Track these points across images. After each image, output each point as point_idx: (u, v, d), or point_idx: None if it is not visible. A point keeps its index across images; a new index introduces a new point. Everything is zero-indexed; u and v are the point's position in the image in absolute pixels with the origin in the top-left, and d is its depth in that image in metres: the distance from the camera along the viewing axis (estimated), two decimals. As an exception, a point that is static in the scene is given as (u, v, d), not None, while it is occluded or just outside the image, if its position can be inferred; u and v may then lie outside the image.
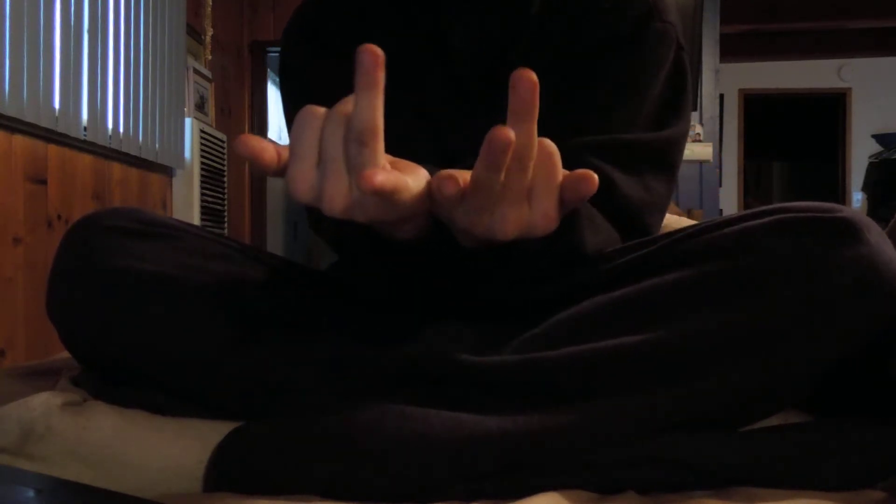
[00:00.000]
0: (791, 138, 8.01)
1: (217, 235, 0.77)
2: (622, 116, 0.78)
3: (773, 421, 0.63)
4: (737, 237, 0.60)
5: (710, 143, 3.70)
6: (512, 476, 0.58)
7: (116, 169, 2.57)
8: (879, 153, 6.47)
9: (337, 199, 0.49)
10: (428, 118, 0.82)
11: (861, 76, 6.70)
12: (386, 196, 0.47)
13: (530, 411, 0.59)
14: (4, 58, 1.90)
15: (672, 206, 3.28)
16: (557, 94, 0.80)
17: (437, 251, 0.61)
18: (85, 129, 2.30)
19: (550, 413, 0.58)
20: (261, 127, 4.09)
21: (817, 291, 0.57)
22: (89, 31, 2.36)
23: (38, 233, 2.09)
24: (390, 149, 0.51)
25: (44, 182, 2.13)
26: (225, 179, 3.45)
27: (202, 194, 3.14)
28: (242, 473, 0.60)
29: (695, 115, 3.73)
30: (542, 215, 0.52)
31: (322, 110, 0.50)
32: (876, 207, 5.86)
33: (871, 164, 6.38)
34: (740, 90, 6.81)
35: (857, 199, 6.65)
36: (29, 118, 2.00)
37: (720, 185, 4.33)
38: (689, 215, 3.05)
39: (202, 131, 3.19)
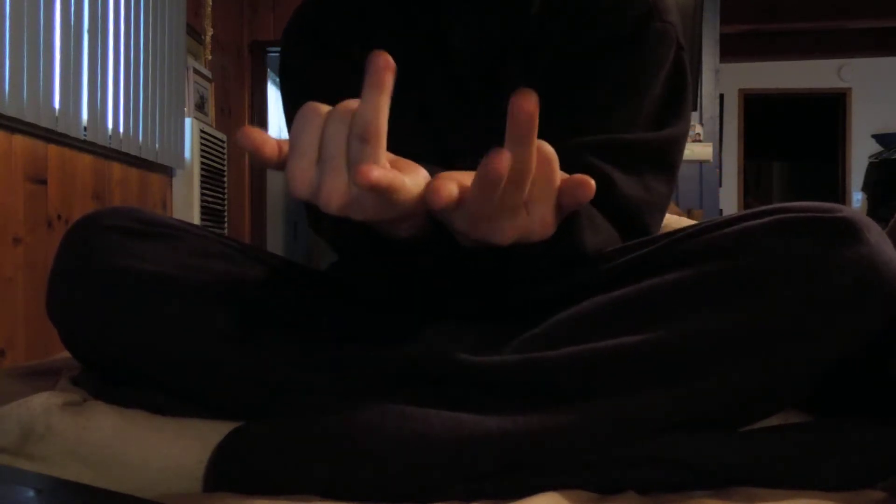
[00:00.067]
0: (791, 138, 8.01)
1: (217, 235, 0.77)
2: (622, 116, 0.78)
3: (773, 421, 0.63)
4: (737, 237, 0.60)
5: (710, 143, 3.70)
6: (512, 476, 0.58)
7: (116, 169, 2.57)
8: (879, 153, 6.47)
9: (334, 195, 0.49)
10: (428, 118, 0.82)
11: (861, 76, 6.70)
12: (382, 193, 0.47)
13: (530, 411, 0.59)
14: (4, 58, 1.90)
15: (672, 206, 3.28)
16: (557, 94, 0.80)
17: (436, 251, 0.61)
18: (85, 129, 2.30)
19: (550, 413, 0.58)
20: (261, 127, 4.08)
21: (817, 291, 0.57)
22: (89, 31, 2.36)
23: (38, 233, 2.09)
24: (390, 148, 0.51)
25: (44, 182, 2.13)
26: (225, 179, 3.45)
27: (202, 194, 3.14)
28: (242, 473, 0.60)
29: (695, 115, 3.73)
30: (539, 221, 0.52)
31: (325, 107, 0.50)
32: (876, 207, 5.86)
33: (871, 164, 6.38)
34: (740, 90, 6.81)
35: (857, 199, 6.65)
36: (29, 118, 2.00)
37: (720, 185, 4.33)
38: (689, 215, 3.05)
39: (202, 131, 3.19)
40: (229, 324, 0.67)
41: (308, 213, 0.82)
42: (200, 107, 3.35)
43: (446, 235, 0.57)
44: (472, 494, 0.58)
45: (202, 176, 3.15)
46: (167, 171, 3.00)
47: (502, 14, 0.82)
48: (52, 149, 2.17)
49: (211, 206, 3.24)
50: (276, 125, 4.51)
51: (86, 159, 2.37)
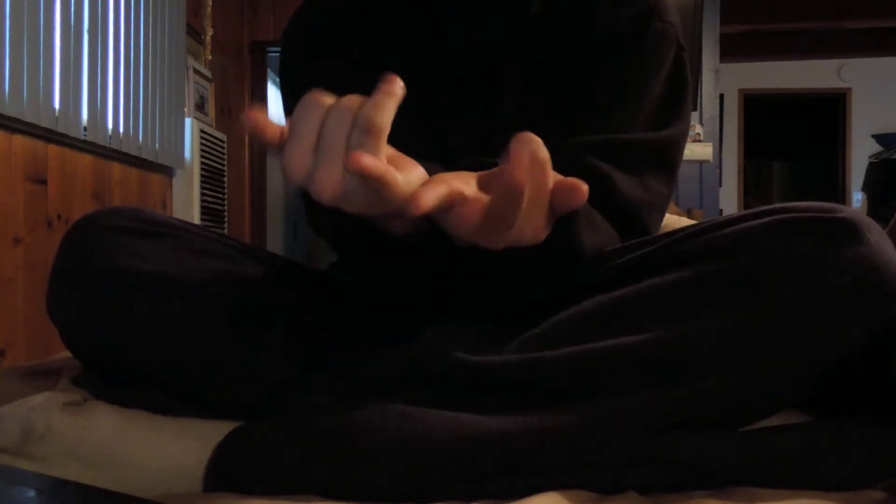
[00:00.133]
0: (791, 138, 8.01)
1: (217, 235, 0.78)
2: (622, 116, 0.78)
3: (774, 421, 0.63)
4: (737, 237, 0.60)
5: (710, 143, 3.70)
6: (512, 476, 0.58)
7: (116, 169, 2.57)
8: (879, 153, 6.47)
9: (328, 185, 0.49)
10: (428, 118, 0.82)
11: (861, 76, 6.70)
12: (372, 185, 0.47)
13: (530, 411, 0.59)
14: (4, 58, 1.90)
15: (672, 206, 3.28)
16: (557, 94, 0.80)
17: (431, 249, 0.61)
18: (85, 129, 2.30)
19: (550, 413, 0.58)
20: (261, 127, 4.08)
21: (817, 291, 0.57)
22: (89, 31, 2.36)
23: (38, 233, 2.09)
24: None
25: (44, 182, 2.13)
26: (225, 179, 3.45)
27: (202, 194, 3.14)
28: (242, 473, 0.60)
29: (695, 115, 3.73)
30: (531, 228, 0.52)
31: (328, 98, 0.50)
32: (876, 207, 5.86)
33: (871, 164, 6.38)
34: (740, 90, 6.80)
35: (857, 199, 6.65)
36: (29, 118, 1.99)
37: (720, 185, 4.33)
38: (689, 215, 3.05)
39: (202, 131, 3.19)
40: (229, 323, 0.67)
41: (307, 212, 0.82)
42: (200, 107, 3.35)
43: (442, 234, 0.57)
44: (472, 494, 0.58)
45: (202, 176, 3.15)
46: (167, 171, 3.00)
47: (502, 14, 0.82)
48: (52, 149, 2.17)
49: (211, 206, 3.24)
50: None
51: (86, 159, 2.37)
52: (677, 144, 0.81)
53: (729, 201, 6.54)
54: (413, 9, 0.85)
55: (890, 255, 0.58)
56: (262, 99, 4.11)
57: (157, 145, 2.81)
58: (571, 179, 0.51)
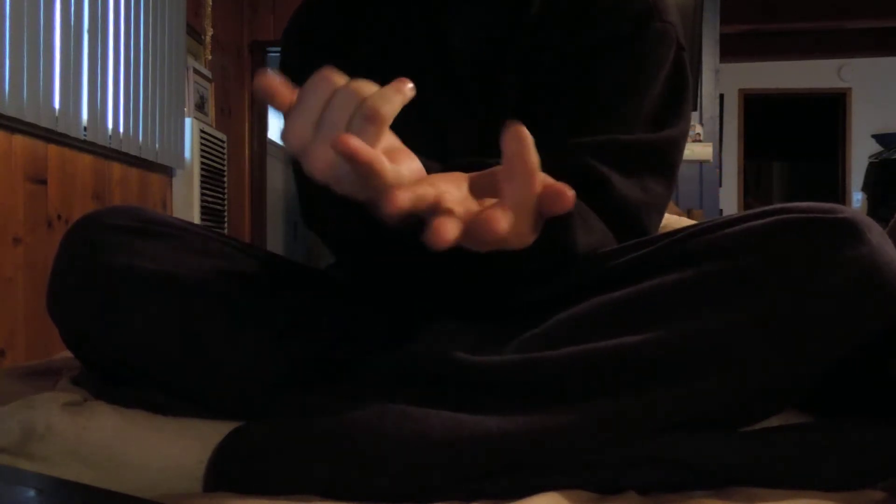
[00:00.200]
0: (791, 138, 8.01)
1: (218, 234, 0.78)
2: (622, 116, 0.78)
3: (774, 421, 0.63)
4: (738, 237, 0.60)
5: (710, 143, 3.70)
6: (512, 476, 0.58)
7: (116, 169, 2.57)
8: (879, 153, 6.47)
9: (321, 160, 0.49)
10: (427, 118, 0.82)
11: (861, 76, 6.70)
12: (359, 169, 0.47)
13: (530, 411, 0.59)
14: (4, 58, 1.90)
15: (672, 206, 3.28)
16: (557, 94, 0.80)
17: (421, 246, 0.61)
18: (85, 129, 2.30)
19: (550, 413, 0.58)
20: (260, 127, 4.09)
21: (818, 292, 0.57)
22: (89, 31, 2.36)
23: (38, 233, 2.09)
24: None
25: (44, 182, 2.13)
26: (225, 179, 3.45)
27: (202, 194, 3.14)
28: (242, 473, 0.60)
29: (695, 115, 3.73)
30: (515, 234, 0.52)
31: (341, 78, 0.50)
32: (876, 207, 5.86)
33: (871, 164, 6.38)
34: (740, 90, 6.80)
35: (857, 199, 6.65)
36: (29, 118, 1.99)
37: (720, 185, 4.33)
38: (689, 215, 3.05)
39: (202, 131, 3.19)
40: (229, 323, 0.67)
41: (302, 208, 0.82)
42: (200, 107, 3.35)
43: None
44: (472, 494, 0.58)
45: (202, 176, 3.15)
46: (167, 171, 3.00)
47: (502, 14, 0.82)
48: (52, 149, 2.17)
49: (211, 206, 3.24)
50: (276, 125, 4.51)
51: (86, 159, 2.37)
52: (677, 145, 0.81)
53: (729, 201, 6.54)
54: (412, 9, 0.85)
55: (891, 256, 0.58)
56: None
57: (157, 145, 2.81)
58: (558, 185, 0.50)
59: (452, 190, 0.51)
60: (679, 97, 0.81)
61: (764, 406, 0.62)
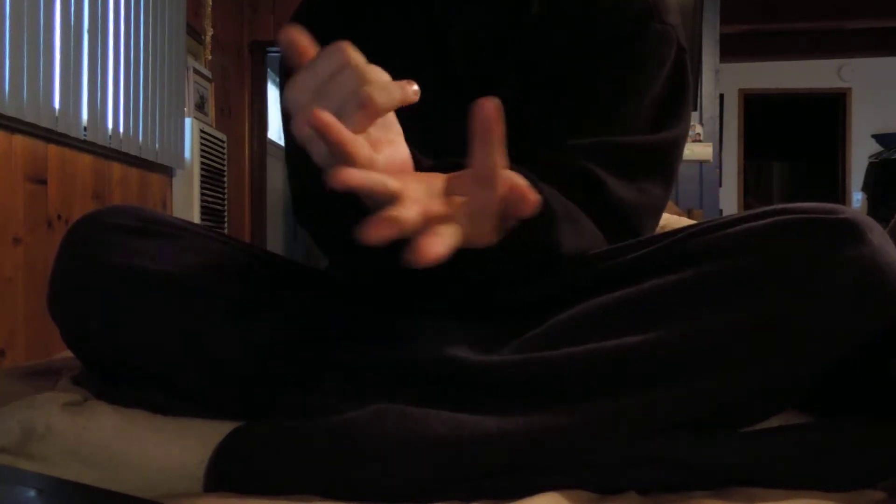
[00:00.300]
0: (791, 138, 8.00)
1: (218, 234, 0.78)
2: (620, 117, 0.78)
3: (774, 421, 0.63)
4: (738, 238, 0.60)
5: (710, 143, 3.70)
6: (512, 476, 0.58)
7: (116, 169, 2.57)
8: (879, 153, 6.47)
9: (306, 126, 0.50)
10: (425, 117, 0.82)
11: (861, 76, 6.70)
12: (331, 146, 0.49)
13: (530, 411, 0.59)
14: (4, 58, 1.90)
15: (672, 206, 3.28)
16: (555, 95, 0.80)
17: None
18: (85, 129, 2.30)
19: (550, 413, 0.58)
20: (261, 127, 4.09)
21: (818, 292, 0.57)
22: (89, 31, 2.36)
23: (38, 233, 2.09)
24: None
25: (44, 182, 2.13)
26: (225, 179, 3.45)
27: (202, 194, 3.14)
28: (243, 473, 0.60)
29: (695, 115, 3.73)
30: (478, 235, 0.53)
31: (357, 56, 0.51)
32: (876, 207, 5.85)
33: (871, 164, 6.38)
34: (740, 90, 6.80)
35: (857, 199, 6.65)
36: (29, 118, 1.99)
37: (720, 185, 4.33)
38: (689, 215, 3.05)
39: (202, 131, 3.19)
40: (229, 323, 0.67)
41: (294, 203, 0.82)
42: (200, 107, 3.35)
43: None
44: (472, 494, 0.58)
45: (202, 176, 3.15)
46: (167, 171, 3.00)
47: (502, 14, 0.82)
48: (52, 149, 2.17)
49: (211, 206, 3.24)
50: (277, 125, 4.52)
51: (86, 159, 2.36)
52: (676, 147, 0.81)
53: (729, 201, 6.54)
54: (412, 9, 0.85)
55: (892, 256, 0.58)
56: (262, 99, 4.11)
57: (157, 145, 2.81)
58: (523, 188, 0.52)
59: (419, 188, 0.51)
60: (679, 98, 0.81)
61: (764, 406, 0.62)
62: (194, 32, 3.34)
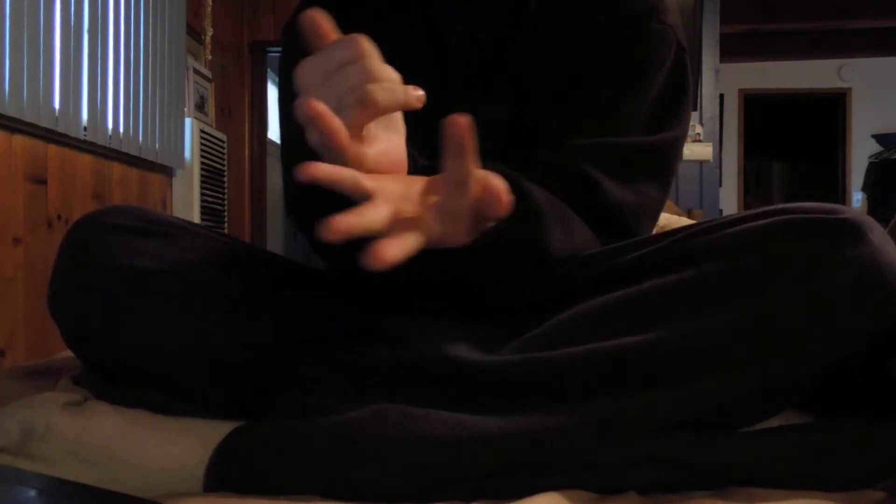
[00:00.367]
0: (791, 138, 8.00)
1: (218, 234, 0.78)
2: (619, 118, 0.78)
3: (774, 421, 0.63)
4: (739, 238, 0.60)
5: (710, 143, 3.70)
6: (512, 476, 0.58)
7: (116, 169, 2.57)
8: (879, 153, 6.46)
9: (309, 109, 0.51)
10: (422, 117, 0.82)
11: (861, 76, 6.69)
12: (324, 137, 0.50)
13: (530, 411, 0.59)
14: (4, 58, 1.90)
15: (672, 206, 3.28)
16: (554, 95, 0.80)
17: None
18: (85, 129, 2.30)
19: (550, 413, 0.58)
20: (261, 127, 4.09)
21: (819, 292, 0.57)
22: (89, 31, 2.36)
23: (38, 233, 2.09)
24: None
25: (44, 182, 2.13)
26: (225, 179, 3.45)
27: (202, 194, 3.14)
28: (243, 473, 0.60)
29: (695, 115, 3.73)
30: (451, 235, 0.55)
31: (372, 52, 0.52)
32: (876, 207, 5.85)
33: (871, 164, 6.37)
34: (740, 90, 6.80)
35: (857, 199, 6.65)
36: (29, 118, 1.99)
37: (720, 185, 4.33)
38: (689, 215, 3.05)
39: (202, 131, 3.19)
40: (230, 323, 0.67)
41: (286, 199, 0.82)
42: (200, 107, 3.35)
43: None
44: (472, 494, 0.58)
45: (202, 176, 3.15)
46: (167, 171, 3.00)
47: (501, 14, 0.82)
48: (52, 149, 2.17)
49: (211, 206, 3.24)
50: (276, 125, 4.52)
51: (86, 159, 2.36)
52: (675, 148, 0.81)
53: (729, 201, 6.54)
54: (412, 9, 0.85)
55: (892, 256, 0.58)
56: (262, 99, 4.11)
57: (157, 145, 2.81)
58: (496, 189, 0.53)
59: (395, 189, 0.52)
60: (678, 99, 0.81)
61: (764, 406, 0.62)
62: (194, 32, 3.34)
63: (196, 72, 3.28)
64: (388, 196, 0.51)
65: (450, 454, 0.57)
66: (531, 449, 0.58)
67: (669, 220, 1.81)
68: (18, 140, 2.01)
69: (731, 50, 5.02)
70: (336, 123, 0.50)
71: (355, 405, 0.60)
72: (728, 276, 0.59)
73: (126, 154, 2.59)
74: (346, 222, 0.47)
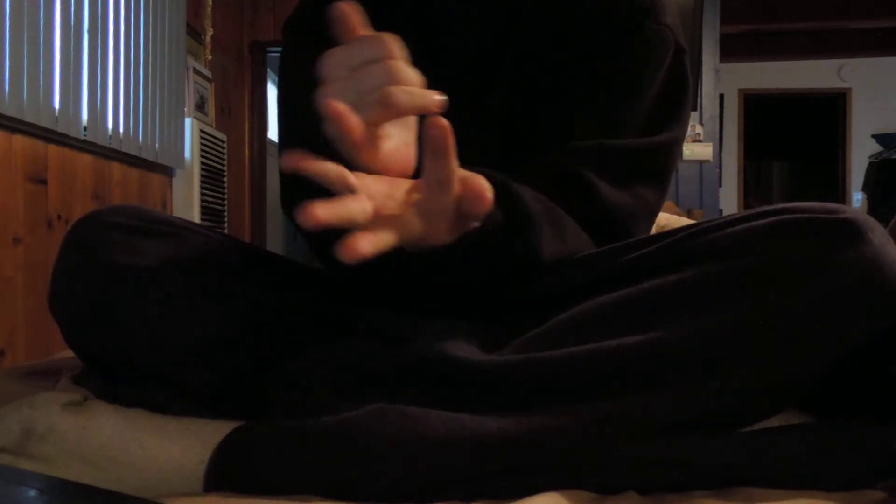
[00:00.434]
0: (791, 138, 8.00)
1: (219, 233, 0.78)
2: (615, 119, 0.78)
3: (774, 421, 0.63)
4: (739, 238, 0.60)
5: (710, 143, 3.70)
6: (512, 476, 0.58)
7: (116, 169, 2.57)
8: (879, 153, 6.47)
9: (330, 100, 0.52)
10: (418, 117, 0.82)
11: (861, 76, 6.70)
12: (340, 134, 0.51)
13: (530, 411, 0.59)
14: (4, 58, 1.90)
15: (672, 206, 3.28)
16: (550, 96, 0.80)
17: None
18: (85, 129, 2.30)
19: (551, 413, 0.58)
20: (261, 127, 4.09)
21: (820, 292, 0.57)
22: (89, 31, 2.36)
23: (38, 233, 2.09)
24: None
25: (44, 182, 2.13)
26: (225, 179, 3.45)
27: (202, 194, 3.14)
28: (243, 473, 0.60)
29: (695, 115, 3.73)
30: (433, 232, 0.55)
31: (397, 51, 0.53)
32: (876, 207, 5.85)
33: (871, 164, 6.37)
34: (740, 90, 6.80)
35: (857, 199, 6.65)
36: (29, 118, 1.99)
37: (720, 185, 4.33)
38: (689, 215, 3.06)
39: (202, 131, 3.19)
40: (230, 322, 0.67)
41: (282, 193, 0.83)
42: (200, 107, 3.35)
43: None
44: (472, 494, 0.58)
45: (202, 176, 3.15)
46: (167, 171, 3.00)
47: (495, 16, 0.82)
48: (52, 149, 2.17)
49: (211, 206, 3.24)
50: (276, 125, 4.52)
51: (86, 159, 2.36)
52: (671, 150, 0.81)
53: (729, 201, 6.54)
54: (409, 8, 0.85)
55: (893, 256, 0.58)
56: (262, 99, 4.11)
57: (157, 145, 2.81)
58: (477, 187, 0.53)
59: (380, 188, 0.53)
60: (677, 100, 0.81)
61: (765, 406, 0.62)
62: (194, 32, 3.34)
63: (196, 72, 3.28)
64: (371, 193, 0.52)
65: (450, 454, 0.57)
66: (531, 449, 0.58)
67: (669, 220, 1.81)
68: (18, 140, 2.01)
69: (731, 50, 5.02)
70: (352, 122, 0.50)
71: (355, 405, 0.60)
72: (728, 276, 0.59)
73: (126, 154, 2.59)
74: (325, 210, 0.47)
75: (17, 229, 2.00)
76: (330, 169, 0.50)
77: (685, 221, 1.58)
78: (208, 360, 0.66)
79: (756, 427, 0.62)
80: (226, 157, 3.47)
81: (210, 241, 0.74)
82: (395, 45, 0.53)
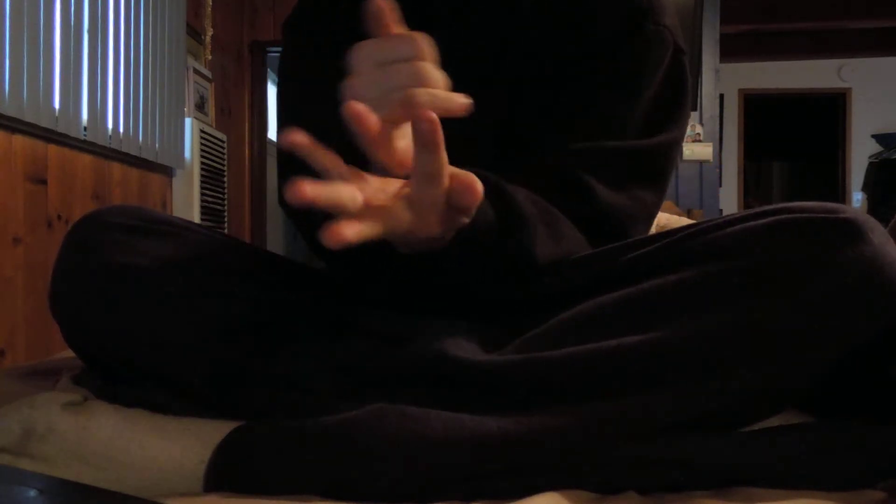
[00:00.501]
0: (791, 138, 8.00)
1: (219, 233, 0.78)
2: (614, 119, 0.77)
3: (774, 421, 0.63)
4: (739, 237, 0.60)
5: (710, 143, 3.70)
6: (512, 476, 0.58)
7: (116, 169, 2.57)
8: (879, 153, 6.47)
9: (353, 96, 0.53)
10: None
11: (861, 76, 6.70)
12: (359, 132, 0.52)
13: (531, 411, 0.59)
14: (4, 58, 1.90)
15: (672, 206, 3.28)
16: (549, 97, 0.80)
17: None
18: (85, 129, 2.30)
19: (551, 413, 0.58)
20: (261, 127, 4.09)
21: (820, 292, 0.57)
22: (89, 31, 2.36)
23: (38, 233, 2.09)
24: None
25: (44, 182, 2.13)
26: (225, 179, 3.45)
27: (202, 194, 3.14)
28: (243, 473, 0.60)
29: (695, 115, 3.73)
30: (423, 225, 0.55)
31: (427, 52, 0.54)
32: (876, 207, 5.85)
33: (871, 164, 6.38)
34: (740, 90, 6.80)
35: (857, 199, 6.65)
36: (29, 118, 1.99)
37: (720, 185, 4.33)
38: (689, 215, 3.06)
39: (202, 131, 3.19)
40: (231, 322, 0.67)
41: (279, 189, 0.83)
42: (200, 107, 3.35)
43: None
44: (472, 494, 0.58)
45: (202, 176, 3.15)
46: (167, 171, 3.00)
47: (498, 14, 0.82)
48: (52, 149, 2.17)
49: (211, 206, 3.24)
50: (275, 126, 4.52)
51: (86, 159, 2.36)
52: (670, 151, 0.81)
53: (729, 201, 6.54)
54: (406, 8, 0.84)
55: (893, 256, 0.58)
56: (262, 99, 4.11)
57: (157, 145, 2.81)
58: (467, 179, 0.54)
59: (373, 182, 0.54)
60: (676, 101, 0.81)
61: (765, 406, 0.62)
62: (194, 32, 3.34)
63: (196, 72, 3.28)
64: (362, 184, 0.52)
65: (450, 454, 0.57)
66: (531, 449, 0.58)
67: (669, 220, 1.81)
68: (18, 140, 2.01)
69: (731, 50, 5.02)
70: (371, 121, 0.51)
71: (355, 405, 0.60)
72: (728, 275, 0.59)
73: (126, 154, 2.59)
74: (314, 189, 0.48)
75: (17, 229, 2.00)
76: (327, 156, 0.51)
77: (685, 221, 1.58)
78: (208, 359, 0.66)
79: (756, 427, 0.62)
80: (226, 157, 3.47)
81: (210, 241, 0.74)
82: (426, 46, 0.54)
